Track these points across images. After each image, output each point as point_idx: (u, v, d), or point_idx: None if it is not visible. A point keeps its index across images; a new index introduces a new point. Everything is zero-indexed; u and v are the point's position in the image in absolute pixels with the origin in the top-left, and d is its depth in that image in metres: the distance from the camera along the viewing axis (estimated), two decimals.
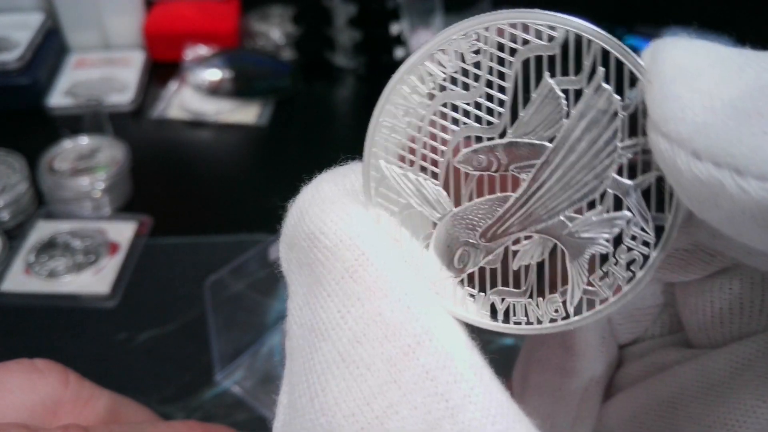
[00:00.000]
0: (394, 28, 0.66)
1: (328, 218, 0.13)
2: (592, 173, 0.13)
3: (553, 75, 0.13)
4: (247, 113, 0.66)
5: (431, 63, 0.14)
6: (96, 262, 0.49)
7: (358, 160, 0.15)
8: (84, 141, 0.56)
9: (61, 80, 0.68)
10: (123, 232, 0.51)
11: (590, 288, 0.14)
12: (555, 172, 0.13)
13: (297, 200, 0.14)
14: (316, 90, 0.70)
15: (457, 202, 0.14)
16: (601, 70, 0.13)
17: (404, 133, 0.14)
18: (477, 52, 0.14)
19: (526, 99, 0.14)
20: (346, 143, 0.66)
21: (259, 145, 0.63)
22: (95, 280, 0.48)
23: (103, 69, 0.70)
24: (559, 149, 0.13)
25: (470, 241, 0.14)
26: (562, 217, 0.14)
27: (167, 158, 0.61)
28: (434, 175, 0.14)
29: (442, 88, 0.14)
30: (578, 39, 0.13)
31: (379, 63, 0.69)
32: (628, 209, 0.13)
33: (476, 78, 0.14)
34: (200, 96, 0.66)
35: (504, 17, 0.13)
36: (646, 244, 0.13)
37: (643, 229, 0.13)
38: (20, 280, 0.48)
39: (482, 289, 0.14)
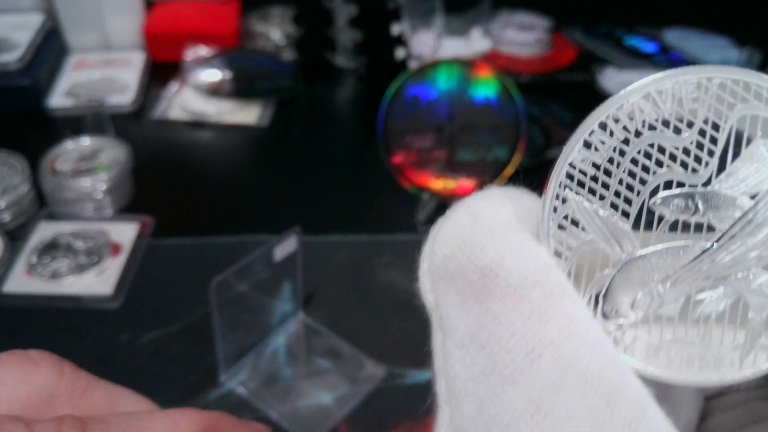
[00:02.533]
0: (395, 29, 0.66)
1: (507, 251, 0.12)
2: None
3: (765, 136, 0.14)
4: (248, 114, 0.66)
5: (645, 101, 0.14)
6: (98, 264, 0.49)
7: (516, 186, 0.15)
8: (85, 142, 0.56)
9: (61, 81, 0.68)
10: (125, 233, 0.51)
11: (766, 343, 0.14)
12: (753, 228, 0.14)
13: (449, 227, 0.13)
14: (316, 90, 0.70)
15: (644, 244, 0.14)
16: None
17: (600, 165, 0.14)
18: (695, 99, 0.14)
19: (736, 153, 0.14)
20: (347, 143, 0.66)
21: (260, 145, 0.63)
22: (98, 282, 0.48)
23: (103, 70, 0.69)
24: (761, 206, 0.14)
25: (652, 285, 0.14)
26: (750, 272, 0.14)
27: (169, 159, 0.61)
28: (625, 214, 0.14)
29: (652, 128, 0.14)
30: None
31: (380, 63, 0.69)
32: None
33: (690, 124, 0.14)
34: (201, 96, 0.66)
35: (728, 73, 0.14)
36: None
37: None
38: (22, 282, 0.47)
39: (656, 336, 0.14)
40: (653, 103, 0.14)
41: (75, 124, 0.61)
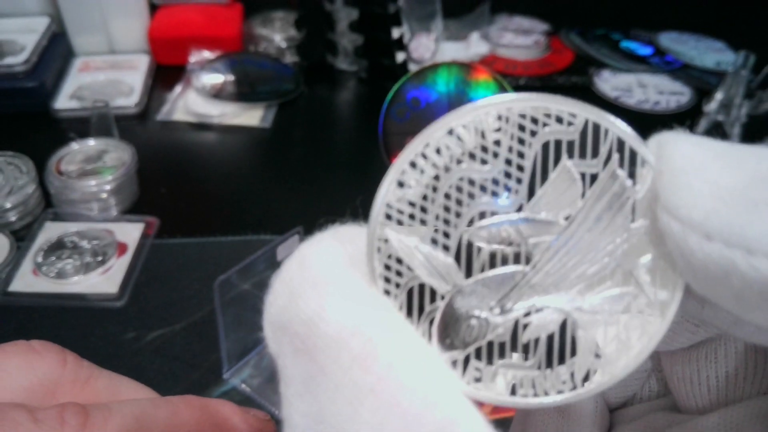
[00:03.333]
0: (395, 33, 0.67)
1: (326, 302, 0.13)
2: (605, 251, 0.14)
3: (570, 158, 0.14)
4: (250, 116, 0.66)
5: (450, 136, 0.14)
6: (104, 263, 0.49)
7: (348, 224, 0.15)
8: (91, 143, 0.57)
9: (66, 83, 0.68)
10: (130, 233, 0.52)
11: (598, 359, 0.14)
12: (569, 249, 0.14)
13: (283, 277, 0.14)
14: (318, 93, 0.71)
15: (468, 275, 0.14)
16: (615, 156, 0.14)
17: (416, 203, 0.14)
18: (498, 130, 0.14)
19: (544, 178, 0.14)
20: (348, 145, 0.67)
21: (263, 146, 0.64)
22: (103, 281, 0.48)
23: (108, 72, 0.70)
24: (575, 227, 0.14)
25: (480, 314, 0.14)
26: (573, 292, 0.14)
27: (173, 160, 0.62)
28: (445, 248, 0.14)
29: (459, 162, 0.14)
30: (596, 126, 0.14)
31: (381, 66, 0.70)
32: (636, 285, 0.14)
33: (495, 155, 0.14)
34: (204, 99, 0.67)
35: (527, 100, 0.14)
36: (650, 317, 0.14)
37: (647, 304, 0.14)
38: (28, 281, 0.48)
39: (489, 363, 0.14)
40: (457, 137, 0.14)
41: (80, 125, 0.62)
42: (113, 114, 0.62)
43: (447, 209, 0.14)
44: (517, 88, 0.52)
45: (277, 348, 0.13)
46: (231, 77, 0.68)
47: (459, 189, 0.14)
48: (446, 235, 0.14)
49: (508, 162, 0.14)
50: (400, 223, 0.14)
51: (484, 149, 0.14)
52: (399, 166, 0.14)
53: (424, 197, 0.14)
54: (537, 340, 0.14)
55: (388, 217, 0.14)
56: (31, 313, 0.47)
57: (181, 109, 0.67)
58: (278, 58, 0.74)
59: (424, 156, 0.14)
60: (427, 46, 0.69)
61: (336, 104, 0.71)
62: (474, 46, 0.75)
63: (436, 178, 0.14)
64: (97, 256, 0.50)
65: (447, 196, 0.14)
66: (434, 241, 0.14)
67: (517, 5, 0.82)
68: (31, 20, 0.70)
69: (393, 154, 0.53)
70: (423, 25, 0.70)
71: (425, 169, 0.14)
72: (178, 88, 0.69)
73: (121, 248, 0.51)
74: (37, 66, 0.66)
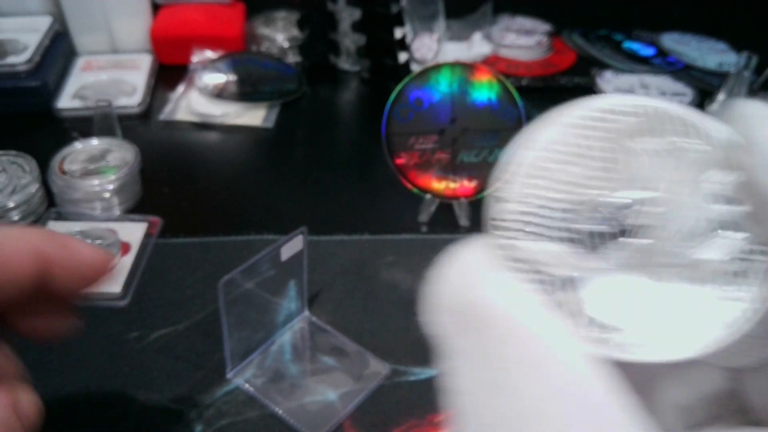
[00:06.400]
0: (398, 33, 0.67)
1: (498, 291, 0.15)
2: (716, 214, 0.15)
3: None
4: (253, 115, 0.67)
5: (560, 131, 0.16)
6: None
7: (487, 232, 0.16)
8: (94, 143, 0.57)
9: (69, 83, 0.69)
10: (134, 232, 0.52)
11: (717, 318, 0.15)
12: (683, 216, 0.15)
13: (450, 269, 0.16)
14: (320, 93, 0.71)
15: (593, 262, 0.15)
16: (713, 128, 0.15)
17: (536, 203, 0.15)
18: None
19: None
20: (351, 145, 0.67)
21: (265, 146, 0.64)
22: (106, 280, 0.48)
23: (110, 72, 0.70)
24: (683, 198, 0.15)
25: (611, 291, 0.15)
26: (692, 256, 0.15)
27: (176, 159, 0.62)
28: (570, 240, 0.15)
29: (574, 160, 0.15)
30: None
31: (383, 66, 0.70)
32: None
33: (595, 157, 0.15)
34: (207, 99, 0.67)
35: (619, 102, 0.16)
36: (764, 254, 0.15)
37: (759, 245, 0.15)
38: None
39: (625, 334, 0.15)
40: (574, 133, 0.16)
41: (83, 125, 0.62)
42: (116, 113, 0.62)
43: (567, 207, 0.15)
44: (520, 89, 0.52)
45: (443, 329, 0.15)
46: (233, 77, 0.68)
47: (575, 185, 0.15)
48: (568, 229, 0.15)
49: (604, 160, 0.15)
50: (525, 223, 0.15)
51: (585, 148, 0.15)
52: (528, 160, 0.15)
53: (545, 197, 0.15)
54: (661, 303, 0.15)
55: (513, 220, 0.15)
56: None
57: (183, 108, 0.67)
58: (281, 58, 0.74)
59: (545, 156, 0.15)
60: (429, 46, 0.69)
61: (338, 104, 0.71)
62: (476, 47, 0.75)
63: (556, 179, 0.15)
64: None
65: (565, 193, 0.15)
66: (557, 236, 0.15)
67: (520, 5, 0.82)
68: (33, 19, 0.70)
69: (396, 154, 0.53)
70: (425, 25, 0.70)
71: (549, 168, 0.15)
72: (180, 88, 0.69)
73: (125, 248, 0.51)
74: (39, 65, 0.66)
